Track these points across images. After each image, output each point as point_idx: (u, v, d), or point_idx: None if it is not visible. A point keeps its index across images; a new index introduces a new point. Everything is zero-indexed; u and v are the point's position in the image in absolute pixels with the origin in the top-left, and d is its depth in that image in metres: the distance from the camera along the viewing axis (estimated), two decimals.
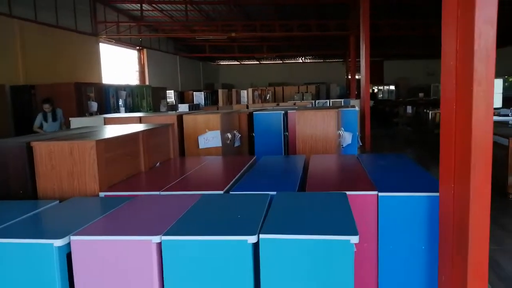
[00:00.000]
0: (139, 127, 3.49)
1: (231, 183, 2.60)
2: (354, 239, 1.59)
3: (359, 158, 3.42)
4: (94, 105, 9.58)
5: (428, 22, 15.23)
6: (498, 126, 6.32)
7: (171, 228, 1.72)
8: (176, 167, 3.38)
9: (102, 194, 2.46)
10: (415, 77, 27.19)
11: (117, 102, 10.89)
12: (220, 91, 14.08)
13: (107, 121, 4.76)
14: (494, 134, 5.53)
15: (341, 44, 20.70)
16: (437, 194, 2.18)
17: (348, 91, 19.10)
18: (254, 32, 16.18)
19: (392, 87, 27.66)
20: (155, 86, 16.22)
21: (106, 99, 10.43)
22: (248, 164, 3.30)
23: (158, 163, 3.38)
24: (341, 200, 2.09)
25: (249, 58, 27.78)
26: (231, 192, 2.37)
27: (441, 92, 2.13)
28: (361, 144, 9.04)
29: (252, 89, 14.25)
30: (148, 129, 3.30)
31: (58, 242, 1.62)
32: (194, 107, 13.23)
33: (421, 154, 9.13)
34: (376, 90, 27.52)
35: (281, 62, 29.67)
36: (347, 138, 5.32)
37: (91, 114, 9.39)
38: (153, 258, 1.64)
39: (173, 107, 13.75)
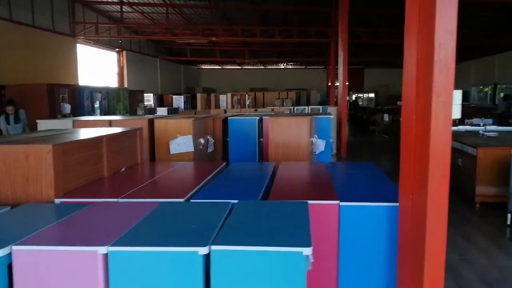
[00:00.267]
0: (106, 131, 3.40)
1: (194, 190, 2.55)
2: (307, 251, 1.55)
3: (328, 166, 3.41)
4: (67, 107, 9.35)
5: None
6: (469, 136, 6.43)
7: (120, 238, 1.65)
8: (142, 173, 3.30)
9: (57, 200, 2.36)
10: (395, 85, 27.58)
11: (92, 104, 10.67)
12: (199, 96, 13.98)
13: (76, 124, 4.63)
14: (464, 143, 5.62)
15: (322, 51, 20.88)
16: (397, 204, 2.17)
17: (328, 98, 19.25)
18: (235, 37, 16.17)
19: (372, 95, 28.04)
20: (134, 89, 16.00)
21: (81, 101, 10.20)
22: (216, 171, 3.25)
23: (124, 169, 3.29)
24: (301, 209, 2.06)
25: (230, 63, 27.76)
26: (191, 200, 2.32)
27: (402, 102, 2.13)
28: (334, 151, 9.10)
29: (231, 94, 14.20)
30: (113, 133, 3.21)
31: None
32: (173, 111, 13.09)
33: (394, 162, 9.24)
34: (354, 98, 27.84)
35: (263, 67, 29.76)
36: (321, 145, 5.32)
37: (64, 116, 9.17)
38: (99, 270, 1.57)
39: (151, 111, 13.57)
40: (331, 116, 6.05)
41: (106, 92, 11.72)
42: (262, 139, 5.35)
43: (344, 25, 9.77)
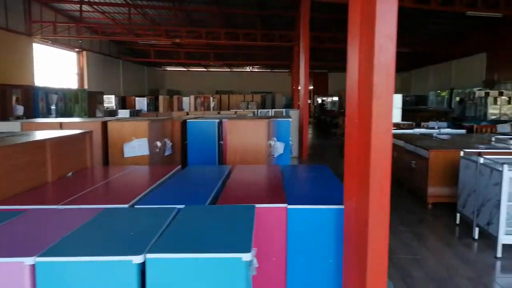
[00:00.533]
0: (51, 134, 3.25)
1: (141, 195, 2.47)
2: (246, 257, 1.53)
3: (283, 169, 3.42)
4: (19, 109, 8.92)
5: None
6: (424, 139, 6.65)
7: (50, 248, 1.56)
8: (89, 178, 3.18)
9: None
10: None
11: (48, 106, 10.24)
12: (161, 98, 13.74)
13: (24, 127, 4.41)
14: (417, 146, 5.80)
15: (287, 54, 21.08)
16: (343, 206, 2.19)
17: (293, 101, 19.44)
18: (200, 39, 16.04)
19: (336, 98, 28.57)
20: (95, 90, 15.52)
21: (35, 103, 9.77)
22: (169, 175, 3.18)
23: (71, 173, 3.16)
24: (247, 214, 2.04)
25: (196, 65, 27.52)
26: (136, 206, 2.24)
27: (346, 107, 2.15)
28: (294, 154, 9.15)
29: (195, 97, 14.05)
30: (58, 136, 3.08)
31: None
32: (135, 113, 12.80)
33: None
34: (320, 101, 28.28)
35: (229, 70, 29.71)
36: (279, 148, 5.34)
37: (18, 118, 8.76)
38: (26, 283, 1.48)
39: (112, 113, 13.21)
40: (290, 119, 6.09)
41: (63, 94, 11.28)
42: (222, 142, 5.31)
43: (306, 29, 9.89)
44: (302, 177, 3.26)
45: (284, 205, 2.25)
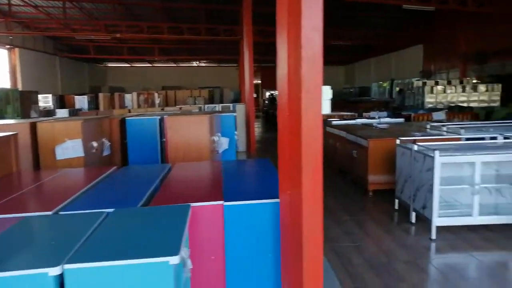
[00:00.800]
0: None
1: (69, 200, 2.32)
2: (174, 260, 1.46)
3: (224, 165, 3.36)
4: None
5: None
6: (364, 129, 6.88)
7: None
8: (13, 184, 2.95)
9: None
10: None
11: None
12: (101, 95, 13.14)
13: None
14: (357, 136, 5.99)
15: (234, 49, 20.98)
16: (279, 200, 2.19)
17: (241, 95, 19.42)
18: (141, 34, 15.53)
19: None
20: (29, 89, 14.53)
21: None
22: (102, 176, 3.02)
23: None
24: (180, 214, 1.97)
25: (140, 61, 26.69)
26: (61, 213, 2.10)
27: (277, 100, 2.14)
28: (240, 148, 9.14)
29: (138, 93, 13.60)
30: None
31: None
32: (74, 112, 12.14)
33: None
34: (270, 95, 28.49)
35: (175, 65, 29.10)
36: (224, 143, 5.29)
37: None
38: None
39: (50, 113, 12.44)
40: (234, 114, 6.05)
41: None
42: (165, 139, 5.16)
43: (248, 23, 9.86)
44: (243, 172, 3.23)
45: (221, 202, 2.21)
